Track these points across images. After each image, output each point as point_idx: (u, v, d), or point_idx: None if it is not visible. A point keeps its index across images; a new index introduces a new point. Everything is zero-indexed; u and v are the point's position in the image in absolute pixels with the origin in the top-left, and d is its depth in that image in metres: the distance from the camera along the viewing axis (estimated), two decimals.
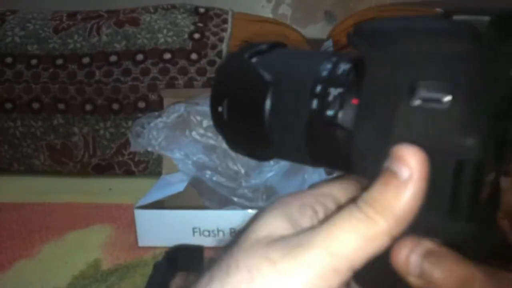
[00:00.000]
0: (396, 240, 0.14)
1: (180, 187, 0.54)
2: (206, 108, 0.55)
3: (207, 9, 0.74)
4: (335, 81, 0.16)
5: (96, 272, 0.49)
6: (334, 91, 0.16)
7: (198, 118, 0.54)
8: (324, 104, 0.16)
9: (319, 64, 0.17)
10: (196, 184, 0.54)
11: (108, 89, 0.68)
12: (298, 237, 0.14)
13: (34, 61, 0.69)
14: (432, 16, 0.15)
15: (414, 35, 0.15)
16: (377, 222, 0.13)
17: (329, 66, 0.17)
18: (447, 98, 0.13)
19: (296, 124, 0.17)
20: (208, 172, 0.53)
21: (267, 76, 0.19)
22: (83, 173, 0.70)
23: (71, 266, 0.50)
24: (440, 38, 0.14)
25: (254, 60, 0.20)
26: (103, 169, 0.70)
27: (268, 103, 0.18)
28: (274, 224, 0.15)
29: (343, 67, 0.17)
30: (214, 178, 0.53)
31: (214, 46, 0.69)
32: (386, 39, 0.15)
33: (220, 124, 0.21)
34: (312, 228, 0.14)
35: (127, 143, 0.67)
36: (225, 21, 0.72)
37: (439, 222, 0.14)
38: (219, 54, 0.68)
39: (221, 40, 0.70)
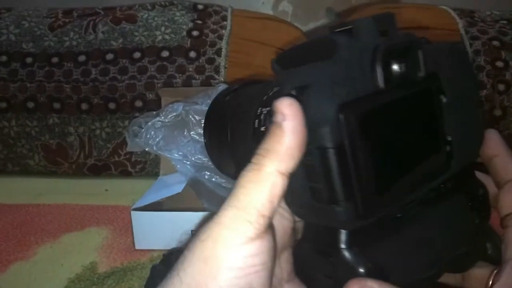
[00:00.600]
0: (289, 176, 0.16)
1: (178, 188, 0.53)
2: (205, 107, 0.54)
3: (206, 6, 0.73)
4: (267, 102, 0.19)
5: (93, 275, 0.48)
6: (264, 110, 0.19)
7: (197, 117, 0.53)
8: (260, 122, 0.19)
9: (267, 90, 0.20)
10: (194, 185, 0.53)
11: (105, 88, 0.67)
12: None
13: (29, 59, 0.68)
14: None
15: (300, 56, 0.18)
16: (264, 165, 0.16)
17: (269, 90, 0.20)
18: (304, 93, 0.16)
19: (247, 142, 0.20)
20: (207, 173, 0.52)
21: (229, 108, 0.24)
22: (78, 174, 0.69)
23: (67, 268, 0.49)
24: (308, 50, 0.18)
25: (227, 97, 0.26)
26: (99, 170, 0.69)
27: (229, 128, 0.23)
28: None
29: (275, 89, 0.20)
30: (214, 179, 0.52)
31: (213, 44, 0.68)
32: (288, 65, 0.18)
33: (207, 150, 0.27)
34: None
35: (123, 143, 0.66)
36: (224, 18, 0.71)
37: (326, 209, 0.16)
38: (218, 52, 0.67)
39: (220, 37, 0.69)
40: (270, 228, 0.16)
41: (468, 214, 0.20)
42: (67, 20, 0.70)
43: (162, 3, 0.73)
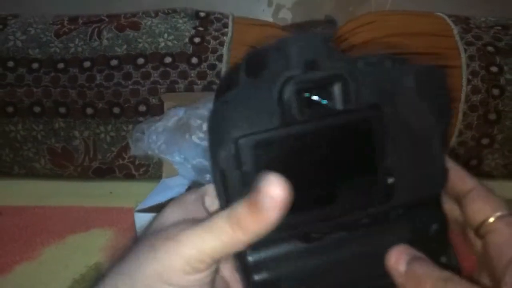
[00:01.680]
0: None
1: (180, 190, 0.54)
2: (206, 112, 0.55)
3: (208, 14, 0.74)
4: None
5: (97, 275, 0.49)
6: None
7: (198, 121, 0.54)
8: None
9: None
10: (196, 188, 0.53)
11: (109, 93, 0.68)
12: (179, 227, 0.18)
13: (35, 65, 0.69)
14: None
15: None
16: (238, 236, 0.17)
17: None
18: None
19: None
20: (208, 176, 0.53)
21: None
22: (83, 177, 0.70)
23: (72, 269, 0.50)
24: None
25: None
26: (103, 173, 0.70)
27: None
28: (168, 215, 0.19)
29: None
30: None
31: (214, 50, 0.69)
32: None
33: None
34: (192, 223, 0.18)
35: (127, 147, 0.67)
36: (225, 25, 0.72)
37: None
38: (219, 58, 0.69)
39: (221, 44, 0.70)
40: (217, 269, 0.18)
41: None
42: (72, 27, 0.72)
43: (165, 10, 0.74)
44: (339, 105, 0.18)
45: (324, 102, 0.17)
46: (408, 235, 0.19)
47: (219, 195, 0.19)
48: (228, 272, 0.20)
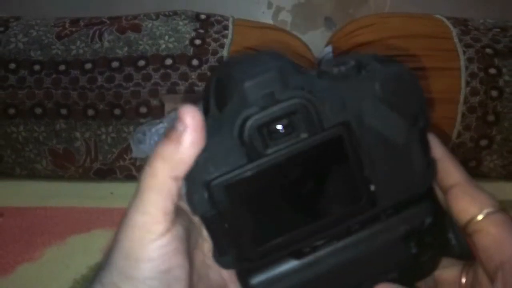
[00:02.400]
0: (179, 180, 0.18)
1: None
2: None
3: (208, 16, 0.75)
4: None
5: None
6: None
7: None
8: None
9: None
10: None
11: (110, 95, 0.68)
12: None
13: (37, 67, 0.69)
14: None
15: None
16: (159, 172, 0.18)
17: None
18: None
19: None
20: None
21: None
22: (85, 178, 0.71)
23: (73, 270, 0.50)
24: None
25: None
26: (104, 174, 0.70)
27: None
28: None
29: None
30: None
31: (215, 52, 0.70)
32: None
33: None
34: None
35: (128, 148, 0.68)
36: (226, 27, 0.73)
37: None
38: (220, 60, 0.69)
39: (222, 46, 0.70)
40: (176, 219, 0.19)
41: (401, 244, 0.19)
42: (74, 29, 0.72)
43: (166, 13, 0.75)
44: (303, 131, 0.18)
45: (286, 131, 0.18)
46: (401, 232, 0.20)
47: (209, 237, 0.19)
48: (226, 273, 0.21)
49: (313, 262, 0.19)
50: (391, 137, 0.18)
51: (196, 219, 0.20)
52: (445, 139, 0.66)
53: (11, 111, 0.69)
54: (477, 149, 0.67)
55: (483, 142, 0.67)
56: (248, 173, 0.18)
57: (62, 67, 0.69)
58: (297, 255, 0.19)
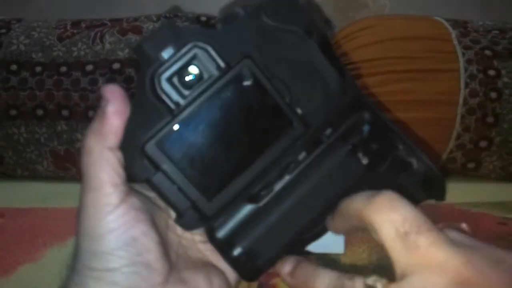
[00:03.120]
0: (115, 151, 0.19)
1: None
2: None
3: (209, 18, 0.75)
4: None
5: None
6: None
7: None
8: None
9: None
10: None
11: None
12: None
13: (38, 69, 0.70)
14: None
15: None
16: (93, 146, 0.19)
17: None
18: None
19: None
20: None
21: None
22: None
23: None
24: None
25: None
26: None
27: None
28: None
29: None
30: None
31: None
32: None
33: None
34: None
35: None
36: None
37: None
38: None
39: None
40: (131, 192, 0.19)
41: (350, 159, 0.20)
42: (75, 31, 0.72)
43: (167, 15, 0.75)
44: (213, 71, 0.18)
45: (197, 78, 0.18)
46: (346, 147, 0.20)
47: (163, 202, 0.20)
48: (223, 263, 0.21)
49: (272, 201, 0.20)
50: (293, 57, 0.19)
51: (160, 202, 0.20)
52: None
53: (13, 112, 0.69)
54: (476, 150, 0.67)
55: (483, 144, 0.67)
56: (174, 126, 0.18)
57: (63, 69, 0.69)
58: (254, 199, 0.20)
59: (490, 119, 0.66)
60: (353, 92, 0.20)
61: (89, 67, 0.69)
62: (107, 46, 0.70)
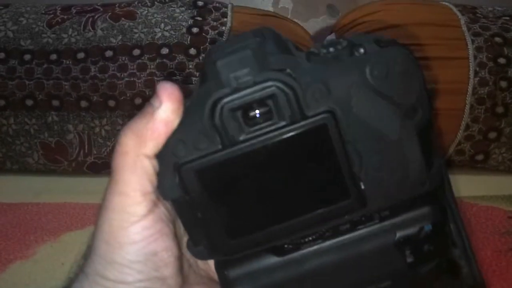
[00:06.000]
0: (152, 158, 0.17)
1: None
2: None
3: (206, 3, 0.73)
4: None
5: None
6: None
7: None
8: None
9: None
10: None
11: (104, 85, 0.66)
12: None
13: (27, 57, 0.67)
14: None
15: None
16: (131, 150, 0.17)
17: None
18: None
19: None
20: None
21: None
22: (78, 172, 0.69)
23: (67, 267, 0.49)
24: None
25: None
26: (99, 168, 0.69)
27: None
28: None
29: None
30: None
31: (213, 41, 0.67)
32: None
33: None
34: None
35: None
36: (224, 14, 0.71)
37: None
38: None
39: (220, 34, 0.68)
40: (159, 201, 0.18)
41: (395, 251, 0.18)
42: (65, 17, 0.70)
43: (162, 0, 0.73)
44: (282, 118, 0.16)
45: (264, 117, 0.16)
46: (396, 238, 0.18)
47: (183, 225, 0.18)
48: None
49: (295, 261, 0.18)
50: (382, 130, 0.16)
51: None
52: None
53: (1, 102, 0.67)
54: (485, 142, 0.66)
55: (492, 135, 0.65)
56: (221, 160, 0.17)
57: (53, 57, 0.67)
58: (278, 252, 0.18)
59: (500, 109, 0.65)
60: (434, 185, 0.18)
61: (80, 55, 0.67)
62: (99, 32, 0.68)
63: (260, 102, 0.16)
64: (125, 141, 0.17)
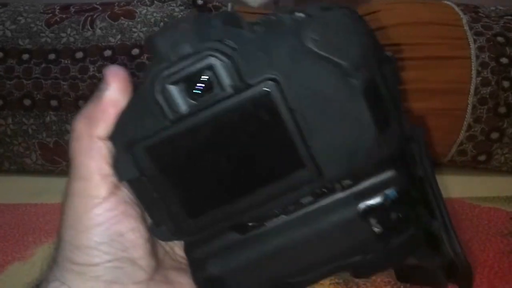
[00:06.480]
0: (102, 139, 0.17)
1: None
2: None
3: (206, 2, 0.72)
4: None
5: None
6: None
7: None
8: None
9: None
10: None
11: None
12: None
13: (25, 56, 0.67)
14: None
15: None
16: (83, 133, 0.17)
17: None
18: None
19: None
20: None
21: None
22: None
23: None
24: None
25: None
26: None
27: None
28: None
29: None
30: None
31: None
32: None
33: None
34: None
35: None
36: None
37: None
38: None
39: None
40: (119, 182, 0.18)
41: (361, 221, 0.17)
42: (64, 16, 0.69)
43: None
44: (225, 89, 0.16)
45: (206, 89, 0.16)
46: (360, 207, 0.17)
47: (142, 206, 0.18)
48: None
49: (260, 238, 0.18)
50: (325, 93, 0.16)
51: None
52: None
53: None
54: (487, 142, 0.65)
55: (494, 135, 0.65)
56: (169, 135, 0.16)
57: (52, 56, 0.67)
58: (241, 230, 0.18)
59: (502, 110, 0.64)
60: (395, 148, 0.17)
61: (79, 54, 0.67)
62: (98, 31, 0.67)
63: (200, 73, 0.16)
64: (78, 126, 0.18)
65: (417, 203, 0.17)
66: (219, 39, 0.16)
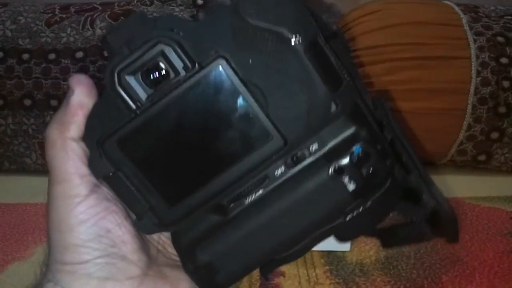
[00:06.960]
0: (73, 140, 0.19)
1: None
2: None
3: (206, 1, 0.72)
4: None
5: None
6: None
7: None
8: None
9: None
10: None
11: (103, 85, 0.66)
12: None
13: (25, 56, 0.67)
14: None
15: None
16: (56, 137, 0.18)
17: None
18: None
19: None
20: None
21: None
22: None
23: None
24: None
25: None
26: None
27: None
28: None
29: None
30: None
31: None
32: None
33: None
34: None
35: None
36: None
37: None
38: None
39: None
40: (101, 184, 0.19)
41: (334, 182, 0.17)
42: (64, 16, 0.69)
43: None
44: (180, 70, 0.17)
45: (161, 76, 0.17)
46: (328, 168, 0.17)
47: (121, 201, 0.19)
48: None
49: (241, 216, 0.18)
50: (270, 60, 0.17)
51: None
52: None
53: None
54: (487, 142, 0.65)
55: (494, 135, 0.65)
56: (136, 126, 0.17)
57: (52, 56, 0.67)
58: (221, 211, 0.18)
59: (502, 110, 0.64)
60: (351, 105, 0.17)
61: (79, 54, 0.67)
62: (98, 31, 0.68)
63: (153, 61, 0.17)
64: (51, 132, 0.19)
65: (387, 156, 0.18)
66: (165, 28, 0.17)
